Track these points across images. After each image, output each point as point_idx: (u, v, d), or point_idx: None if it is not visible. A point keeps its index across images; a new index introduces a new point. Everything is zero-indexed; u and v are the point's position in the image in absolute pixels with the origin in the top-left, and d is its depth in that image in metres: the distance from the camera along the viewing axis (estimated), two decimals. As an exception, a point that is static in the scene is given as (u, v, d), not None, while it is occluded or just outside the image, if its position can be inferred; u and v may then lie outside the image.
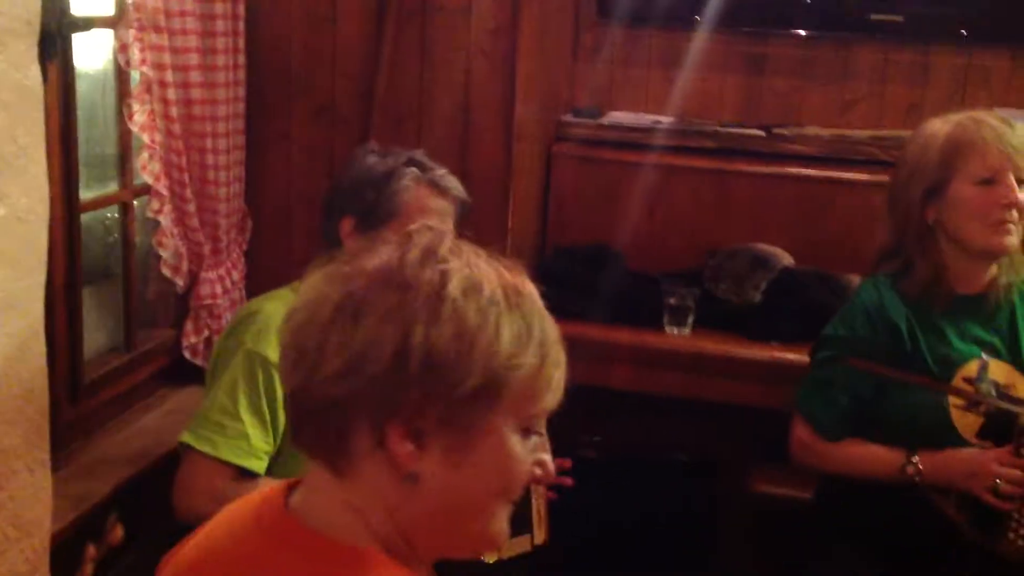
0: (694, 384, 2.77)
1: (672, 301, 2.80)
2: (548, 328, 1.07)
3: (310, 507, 1.07)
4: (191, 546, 1.15)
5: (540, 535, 2.22)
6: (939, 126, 2.23)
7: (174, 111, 2.45)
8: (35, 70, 1.60)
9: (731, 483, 2.80)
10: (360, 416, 1.02)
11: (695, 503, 2.92)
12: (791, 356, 2.69)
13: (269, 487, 1.15)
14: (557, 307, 2.62)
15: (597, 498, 2.91)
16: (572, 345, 2.96)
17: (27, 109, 1.60)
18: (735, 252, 2.89)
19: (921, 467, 2.15)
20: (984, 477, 2.08)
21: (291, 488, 1.12)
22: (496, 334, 1.02)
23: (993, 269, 2.24)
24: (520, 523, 2.19)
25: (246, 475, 1.99)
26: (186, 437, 2.00)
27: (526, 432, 1.07)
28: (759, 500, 2.67)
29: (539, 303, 1.08)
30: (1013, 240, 2.17)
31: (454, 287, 1.01)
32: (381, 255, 1.05)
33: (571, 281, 2.81)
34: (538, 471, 1.09)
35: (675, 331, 2.80)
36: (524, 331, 1.04)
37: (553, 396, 1.07)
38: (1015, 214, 2.15)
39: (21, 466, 1.63)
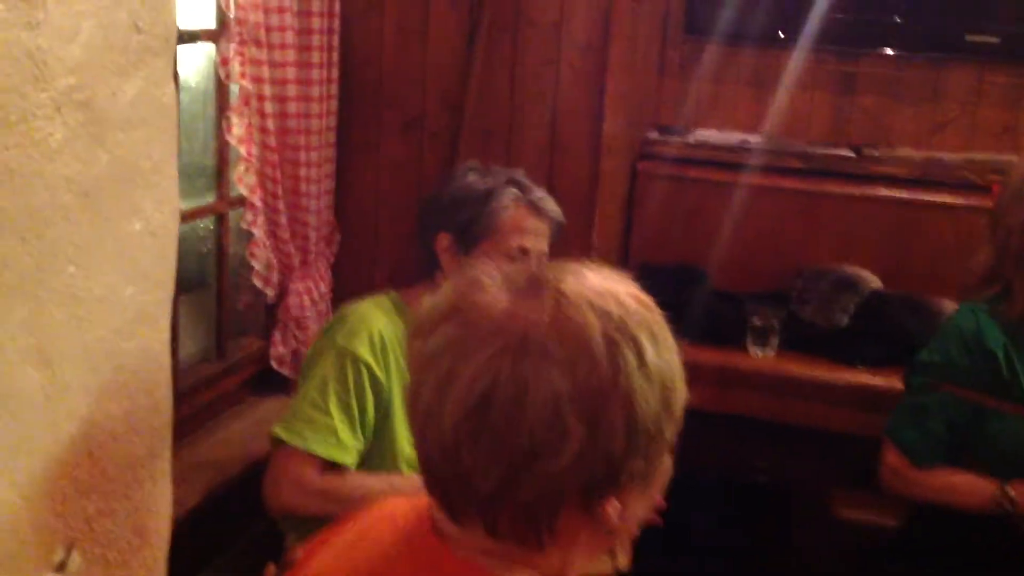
0: (776, 406, 2.75)
1: (756, 322, 2.78)
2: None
3: (468, 541, 1.04)
4: (330, 557, 1.14)
5: (624, 559, 2.22)
6: None
7: (270, 124, 2.50)
8: (171, 87, 1.62)
9: (810, 508, 2.76)
10: (574, 497, 1.00)
11: (774, 526, 2.89)
12: (877, 381, 2.66)
13: (405, 502, 1.13)
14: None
15: (678, 519, 2.91)
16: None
17: (163, 126, 1.61)
18: (822, 274, 2.86)
19: (1016, 497, 2.11)
20: None
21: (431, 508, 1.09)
22: (679, 373, 1.04)
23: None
24: None
25: (335, 468, 2.02)
26: (277, 430, 2.04)
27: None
28: (840, 526, 2.64)
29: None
30: None
31: (644, 341, 1.00)
32: (540, 311, 0.99)
33: (657, 300, 2.79)
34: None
35: (759, 352, 2.78)
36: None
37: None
38: None
39: (146, 475, 1.66)
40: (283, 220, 2.59)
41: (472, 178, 2.15)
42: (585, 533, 1.03)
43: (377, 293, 2.18)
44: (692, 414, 2.96)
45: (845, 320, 2.78)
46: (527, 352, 0.96)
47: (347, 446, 2.02)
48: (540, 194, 2.16)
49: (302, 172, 2.61)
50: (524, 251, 2.11)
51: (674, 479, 2.97)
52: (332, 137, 2.76)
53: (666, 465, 1.07)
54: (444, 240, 2.13)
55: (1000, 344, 2.19)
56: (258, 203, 2.54)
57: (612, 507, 1.00)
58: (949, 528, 2.23)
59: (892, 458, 2.28)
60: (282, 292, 2.69)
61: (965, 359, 2.20)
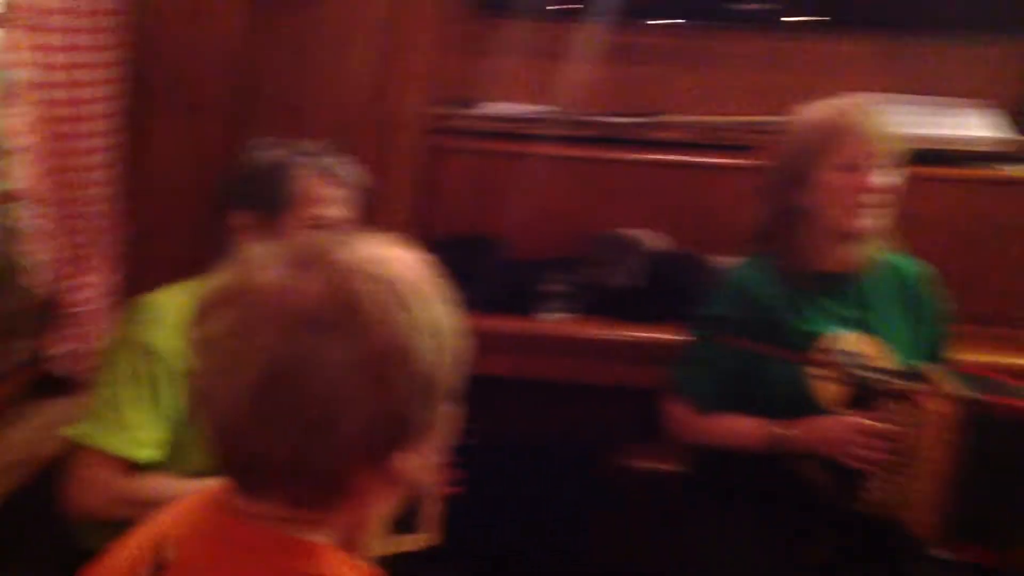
0: (571, 369, 2.84)
1: (549, 287, 2.86)
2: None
3: (265, 512, 1.07)
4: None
5: (432, 536, 2.25)
6: (807, 114, 2.35)
7: (47, 112, 2.41)
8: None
9: (612, 463, 2.87)
10: (365, 457, 1.05)
11: (579, 484, 2.99)
12: (668, 337, 2.77)
13: (199, 495, 1.15)
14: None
15: (482, 485, 2.98)
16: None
17: None
18: (610, 238, 2.96)
19: (785, 435, 2.25)
20: (841, 443, 2.20)
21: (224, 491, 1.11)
22: (453, 328, 1.10)
23: (857, 248, 2.36)
24: (411, 522, 2.22)
25: (138, 468, 1.97)
26: (70, 431, 1.98)
27: None
28: (636, 476, 2.75)
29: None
30: (872, 223, 2.30)
31: (415, 301, 1.06)
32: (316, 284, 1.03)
33: (451, 271, 2.84)
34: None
35: (553, 317, 2.87)
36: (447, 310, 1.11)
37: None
38: (876, 198, 2.27)
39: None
40: (62, 212, 2.51)
41: (261, 154, 2.11)
42: (377, 488, 1.08)
43: (182, 280, 2.12)
44: (491, 381, 3.03)
45: (633, 281, 2.89)
46: (305, 327, 1.00)
47: (143, 441, 1.96)
48: (334, 159, 2.12)
49: (82, 160, 2.53)
50: (322, 220, 2.07)
51: (479, 448, 3.01)
52: (114, 123, 2.69)
53: (450, 413, 1.12)
54: (239, 218, 2.08)
55: (771, 296, 2.34)
56: (34, 195, 2.45)
57: (401, 461, 1.06)
58: (728, 468, 2.37)
59: (676, 408, 2.40)
60: (61, 289, 2.59)
61: (738, 311, 2.33)
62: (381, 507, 1.11)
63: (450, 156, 3.10)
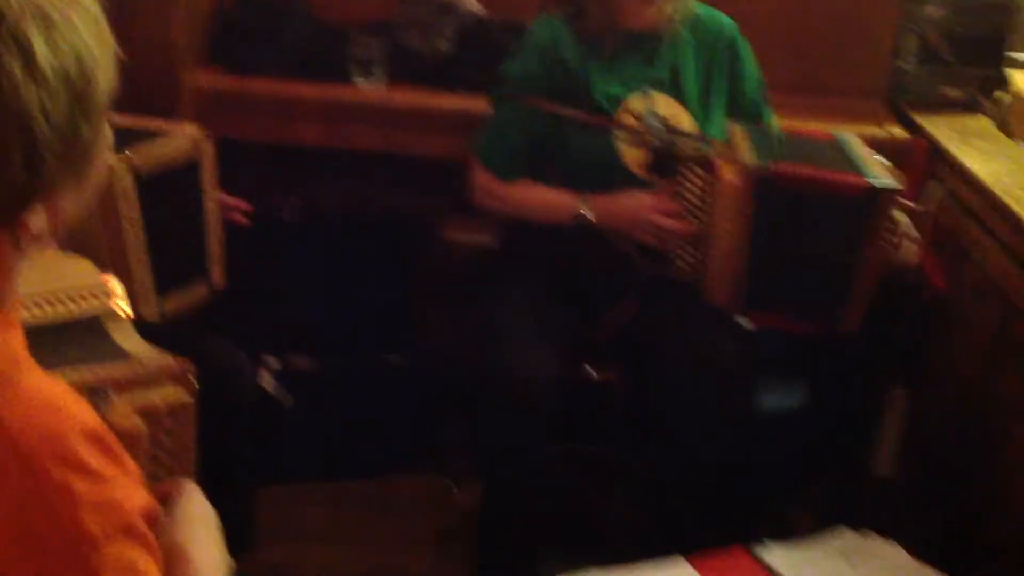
0: (386, 138, 2.72)
1: (359, 52, 2.71)
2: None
3: None
4: None
5: (217, 276, 2.17)
6: None
7: None
8: None
9: (427, 237, 2.80)
10: None
11: (396, 259, 2.93)
12: (481, 105, 2.67)
13: None
14: (236, 62, 2.46)
15: (296, 260, 2.90)
16: (254, 101, 2.81)
17: None
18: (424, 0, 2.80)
19: (591, 216, 2.20)
20: (640, 222, 2.17)
21: None
22: (95, 54, 0.92)
23: (666, 6, 2.26)
24: (189, 269, 2.13)
25: None
26: None
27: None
28: (449, 249, 2.70)
29: None
30: None
31: (35, 37, 0.87)
32: None
33: (250, 33, 2.67)
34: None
35: (364, 83, 2.72)
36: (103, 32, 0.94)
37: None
38: None
39: None
40: None
41: None
42: (12, 250, 0.94)
43: None
44: (302, 153, 2.89)
45: (446, 46, 2.76)
46: None
47: None
48: None
49: None
50: None
51: (296, 221, 2.87)
52: None
53: (103, 158, 0.99)
54: None
55: (575, 55, 2.24)
56: None
57: (34, 219, 0.93)
58: (535, 236, 2.32)
59: (479, 175, 2.33)
60: None
61: (541, 69, 2.25)
62: (20, 267, 0.97)
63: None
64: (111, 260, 1.97)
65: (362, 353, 2.88)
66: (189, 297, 2.11)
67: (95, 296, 1.54)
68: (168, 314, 2.05)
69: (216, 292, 2.16)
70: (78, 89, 0.91)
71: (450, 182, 2.49)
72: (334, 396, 2.83)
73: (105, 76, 0.94)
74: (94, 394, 1.30)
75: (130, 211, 1.97)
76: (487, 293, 2.34)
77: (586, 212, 2.21)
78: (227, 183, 2.21)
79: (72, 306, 1.51)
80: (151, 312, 2.02)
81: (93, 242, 1.96)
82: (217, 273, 2.17)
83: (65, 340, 1.44)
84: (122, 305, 1.59)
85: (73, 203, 0.97)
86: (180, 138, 2.10)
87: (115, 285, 1.62)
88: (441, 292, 2.84)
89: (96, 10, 0.94)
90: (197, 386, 1.47)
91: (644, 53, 2.28)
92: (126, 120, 2.11)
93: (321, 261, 2.88)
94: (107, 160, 1.00)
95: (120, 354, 1.46)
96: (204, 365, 1.84)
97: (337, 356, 2.88)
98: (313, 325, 2.88)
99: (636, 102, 2.24)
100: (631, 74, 2.27)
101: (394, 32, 2.79)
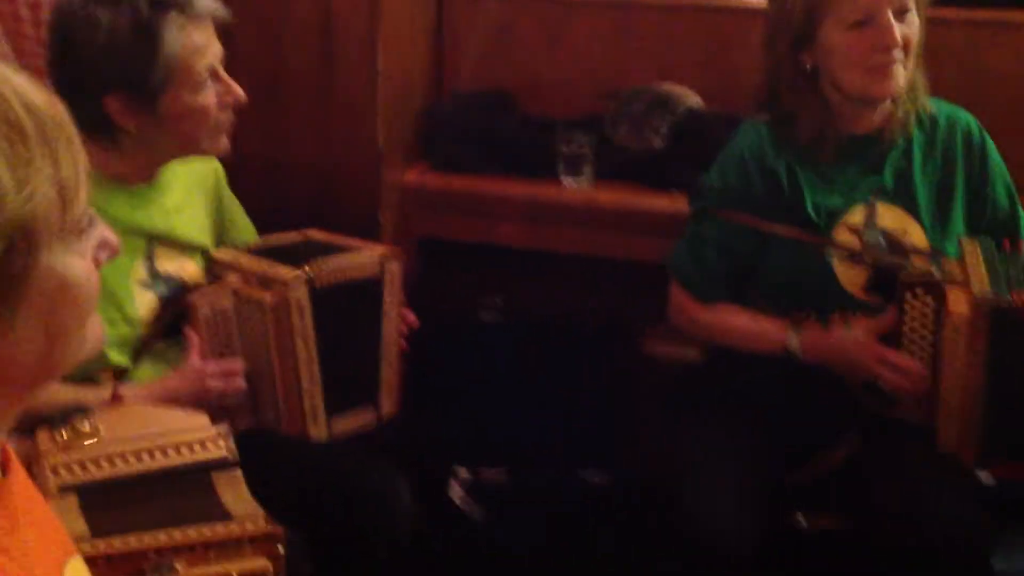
0: (590, 240, 2.57)
1: (566, 149, 2.57)
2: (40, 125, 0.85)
3: None
4: None
5: (387, 404, 2.08)
6: None
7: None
8: None
9: (629, 344, 2.62)
10: None
11: (597, 367, 2.76)
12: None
13: None
14: (446, 159, 2.40)
15: (501, 363, 2.78)
16: (457, 199, 2.73)
17: None
18: (635, 93, 2.63)
19: (801, 353, 1.98)
20: (864, 370, 1.93)
21: None
22: None
23: (888, 105, 2.02)
24: (358, 392, 2.04)
25: None
26: None
27: (78, 235, 0.89)
28: (649, 361, 2.51)
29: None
30: (897, 82, 1.95)
31: None
32: None
33: (461, 129, 2.61)
34: (103, 255, 0.92)
35: (571, 182, 2.59)
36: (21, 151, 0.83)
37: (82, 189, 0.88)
38: (897, 54, 1.91)
39: None
40: None
41: (100, 13, 1.73)
42: None
43: None
44: (505, 252, 2.79)
45: (659, 142, 2.58)
46: None
47: None
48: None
49: None
50: (214, 72, 1.84)
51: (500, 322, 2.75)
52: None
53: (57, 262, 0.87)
54: (115, 103, 1.77)
55: (783, 164, 2.03)
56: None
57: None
58: (747, 363, 2.09)
59: (676, 293, 2.14)
60: None
61: (742, 181, 2.04)
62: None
63: (466, 4, 2.78)
64: (281, 375, 1.92)
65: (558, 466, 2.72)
66: (357, 422, 2.02)
67: (204, 447, 1.46)
68: (337, 435, 1.97)
69: (383, 420, 2.06)
70: None
71: (656, 286, 2.31)
72: (526, 511, 2.67)
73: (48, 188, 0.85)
74: (157, 569, 1.23)
75: (303, 325, 1.91)
76: (681, 416, 2.13)
77: (795, 351, 1.98)
78: (428, 283, 2.10)
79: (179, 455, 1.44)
80: (319, 432, 1.95)
81: (264, 355, 1.92)
82: (387, 403, 2.06)
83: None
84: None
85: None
86: (365, 254, 2.03)
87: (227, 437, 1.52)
88: (642, 406, 2.64)
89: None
90: (283, 552, 1.37)
91: (866, 159, 2.03)
92: (320, 235, 2.09)
93: (518, 365, 2.74)
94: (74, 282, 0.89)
95: (216, 515, 1.38)
96: (355, 489, 1.75)
97: (531, 469, 2.72)
98: (507, 434, 2.74)
99: (856, 215, 2.00)
100: (851, 184, 2.02)
101: (604, 127, 2.64)
